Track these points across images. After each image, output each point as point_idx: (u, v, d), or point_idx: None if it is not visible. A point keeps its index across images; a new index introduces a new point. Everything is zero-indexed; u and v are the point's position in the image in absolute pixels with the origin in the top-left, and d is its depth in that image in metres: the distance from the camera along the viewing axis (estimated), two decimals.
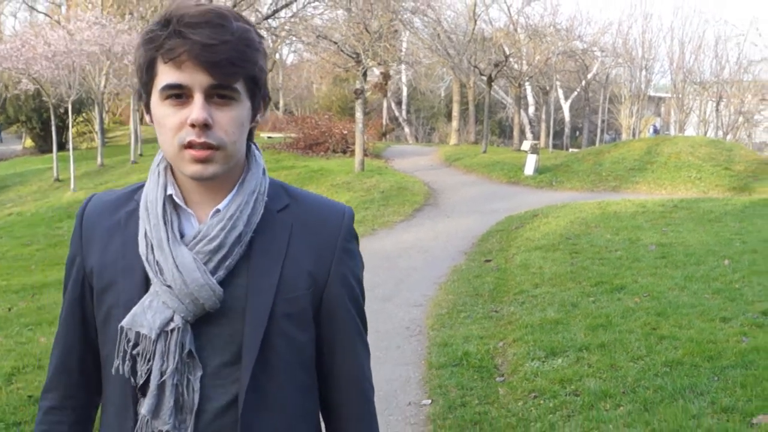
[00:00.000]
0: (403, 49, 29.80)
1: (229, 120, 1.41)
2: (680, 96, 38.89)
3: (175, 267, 1.42)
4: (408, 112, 44.72)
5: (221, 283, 1.45)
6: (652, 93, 45.47)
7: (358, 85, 20.44)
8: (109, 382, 1.55)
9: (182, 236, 1.47)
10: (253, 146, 1.57)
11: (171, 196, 1.49)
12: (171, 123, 1.40)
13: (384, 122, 37.79)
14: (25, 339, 7.13)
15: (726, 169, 20.41)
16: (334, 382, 1.64)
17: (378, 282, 9.00)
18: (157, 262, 1.44)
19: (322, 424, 1.70)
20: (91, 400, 1.67)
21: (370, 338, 6.10)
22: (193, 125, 1.38)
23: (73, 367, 1.63)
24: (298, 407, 1.57)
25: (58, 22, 22.93)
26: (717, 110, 37.49)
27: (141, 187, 1.58)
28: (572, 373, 5.55)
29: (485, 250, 11.21)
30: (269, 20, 22.58)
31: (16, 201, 23.18)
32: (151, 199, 1.49)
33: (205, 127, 1.38)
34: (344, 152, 25.11)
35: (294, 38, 25.26)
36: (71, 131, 25.43)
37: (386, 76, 30.11)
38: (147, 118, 1.49)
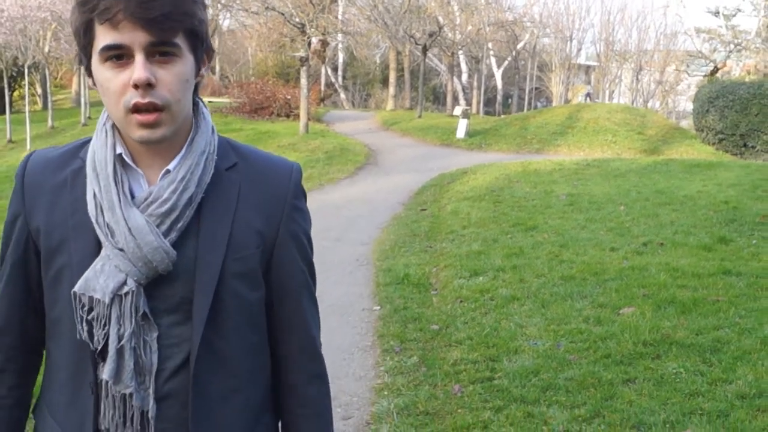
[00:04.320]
0: (339, 16, 30.84)
1: (173, 77, 1.36)
2: (604, 65, 40.88)
3: (128, 230, 1.39)
4: (344, 78, 45.64)
5: (173, 245, 1.42)
6: (582, 61, 47.24)
7: (302, 53, 21.66)
8: (59, 346, 1.52)
9: (132, 197, 1.43)
10: (200, 103, 1.53)
11: (120, 155, 1.44)
12: (114, 86, 1.35)
13: (322, 88, 38.91)
14: None
15: (639, 134, 22.35)
16: (282, 336, 1.62)
17: (329, 226, 10.47)
18: (108, 224, 1.40)
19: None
20: (33, 362, 1.63)
21: (329, 267, 7.99)
22: (136, 86, 1.33)
23: (15, 330, 1.57)
24: (249, 367, 1.55)
25: None
26: (637, 79, 39.58)
27: (84, 143, 1.53)
28: (490, 285, 7.12)
29: (421, 201, 12.77)
30: None
31: None
32: (99, 159, 1.44)
33: (148, 86, 1.33)
34: (287, 116, 26.36)
35: (238, 7, 26.18)
36: (27, 94, 26.22)
37: (324, 44, 31.26)
38: (89, 81, 1.45)
